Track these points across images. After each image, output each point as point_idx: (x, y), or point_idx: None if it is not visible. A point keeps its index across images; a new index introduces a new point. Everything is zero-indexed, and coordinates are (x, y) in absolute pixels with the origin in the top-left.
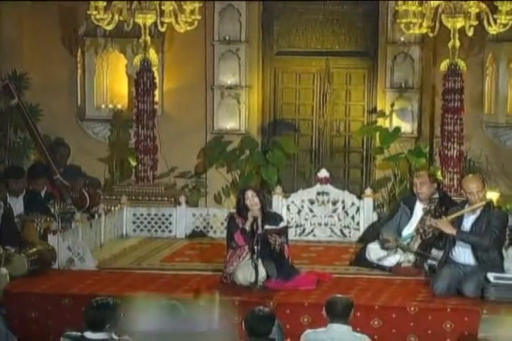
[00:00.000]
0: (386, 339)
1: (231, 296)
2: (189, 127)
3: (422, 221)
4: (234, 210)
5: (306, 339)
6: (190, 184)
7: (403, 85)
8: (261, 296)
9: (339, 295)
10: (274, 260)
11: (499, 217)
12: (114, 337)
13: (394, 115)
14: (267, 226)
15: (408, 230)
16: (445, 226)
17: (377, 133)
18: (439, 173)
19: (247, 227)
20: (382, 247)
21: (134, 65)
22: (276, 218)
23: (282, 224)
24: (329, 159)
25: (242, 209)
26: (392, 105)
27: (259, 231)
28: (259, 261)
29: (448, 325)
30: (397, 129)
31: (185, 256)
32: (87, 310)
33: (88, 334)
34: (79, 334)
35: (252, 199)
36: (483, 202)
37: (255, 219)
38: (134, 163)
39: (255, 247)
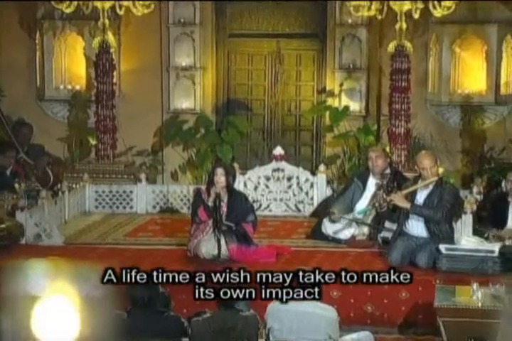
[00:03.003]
0: (345, 309)
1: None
2: (146, 107)
3: (375, 195)
4: (202, 186)
5: (272, 310)
6: (148, 162)
7: (351, 66)
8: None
9: (302, 268)
10: (235, 234)
11: (451, 192)
12: None
13: (343, 94)
14: (226, 222)
15: (362, 204)
16: (400, 200)
17: (327, 112)
18: (387, 149)
19: (210, 203)
20: (329, 219)
21: (94, 47)
22: (242, 198)
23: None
24: (281, 137)
25: (210, 184)
26: (341, 85)
27: (223, 208)
28: (222, 235)
29: (403, 294)
30: (346, 108)
31: (148, 231)
32: None
33: None
34: None
35: (219, 177)
36: (436, 178)
37: (218, 195)
38: (93, 142)
39: (217, 223)
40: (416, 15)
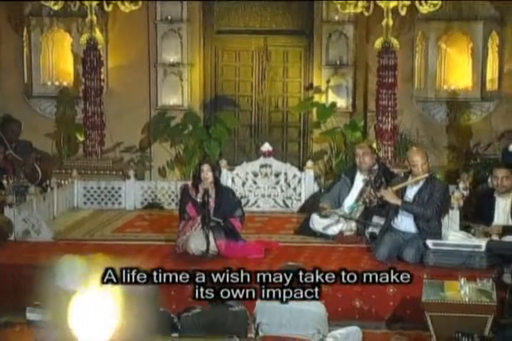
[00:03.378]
0: (333, 304)
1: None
2: (133, 103)
3: (363, 191)
4: (189, 182)
5: (261, 305)
6: (136, 158)
7: (338, 62)
8: (213, 264)
9: (291, 263)
10: (224, 230)
11: (441, 189)
12: None
13: (330, 91)
14: (214, 218)
15: (349, 200)
16: (390, 197)
17: (314, 109)
18: (373, 146)
19: (199, 199)
20: (320, 215)
21: (81, 44)
22: (229, 193)
23: (234, 206)
24: (268, 133)
25: (197, 180)
26: (328, 81)
27: (211, 203)
28: (210, 231)
29: (391, 290)
30: (333, 104)
31: (136, 227)
32: None
33: None
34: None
35: (206, 172)
36: (427, 174)
37: (206, 191)
38: (81, 138)
39: (206, 219)
40: (403, 12)
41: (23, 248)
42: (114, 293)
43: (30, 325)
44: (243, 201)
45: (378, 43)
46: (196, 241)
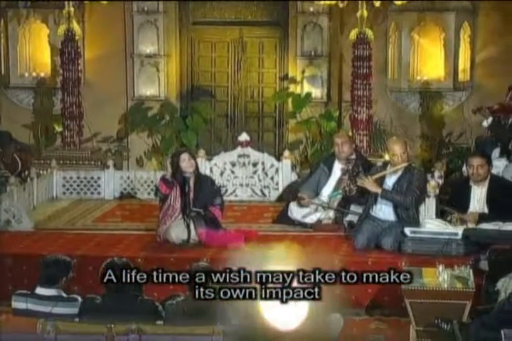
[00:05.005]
0: None
1: (166, 254)
2: (111, 94)
3: (341, 180)
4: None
5: None
6: (113, 148)
7: (313, 53)
8: (194, 253)
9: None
10: (204, 219)
11: (420, 178)
12: (64, 294)
13: (305, 81)
14: (195, 209)
15: (328, 188)
16: (371, 185)
17: (290, 99)
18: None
19: (168, 175)
20: (299, 204)
21: (59, 35)
22: (208, 181)
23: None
24: (244, 123)
25: (176, 171)
26: (303, 72)
27: (192, 193)
28: (191, 220)
29: None
30: (308, 95)
31: (116, 216)
32: (40, 266)
33: (39, 291)
34: (29, 292)
35: (188, 161)
36: (406, 163)
37: (187, 180)
38: (59, 129)
39: (187, 209)
40: (377, 4)
41: (5, 237)
42: None
43: (15, 313)
44: (221, 190)
45: (353, 34)
46: (177, 230)
